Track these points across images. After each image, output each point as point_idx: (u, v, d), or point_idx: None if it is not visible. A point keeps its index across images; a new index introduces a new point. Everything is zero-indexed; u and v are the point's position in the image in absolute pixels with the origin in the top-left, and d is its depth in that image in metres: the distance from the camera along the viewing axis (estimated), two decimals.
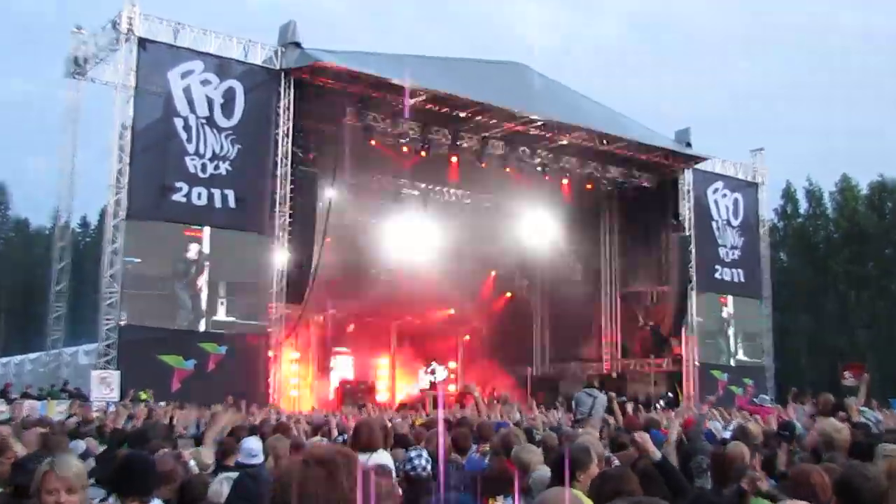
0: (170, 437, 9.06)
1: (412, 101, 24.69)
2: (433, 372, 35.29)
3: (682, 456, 5.70)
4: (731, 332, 31.03)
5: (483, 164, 27.91)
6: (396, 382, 32.71)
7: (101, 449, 8.00)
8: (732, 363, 30.77)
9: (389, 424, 9.28)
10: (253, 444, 6.53)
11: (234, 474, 5.41)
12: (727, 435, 8.19)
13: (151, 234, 21.23)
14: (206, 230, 21.90)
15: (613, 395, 10.61)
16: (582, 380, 28.85)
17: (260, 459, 6.36)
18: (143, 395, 19.15)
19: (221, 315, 22.00)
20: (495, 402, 26.71)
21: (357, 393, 28.25)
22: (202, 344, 21.47)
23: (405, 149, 26.27)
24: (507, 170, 28.45)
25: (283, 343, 23.11)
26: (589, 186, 30.06)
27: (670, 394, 28.97)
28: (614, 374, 31.35)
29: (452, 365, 36.73)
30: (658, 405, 24.83)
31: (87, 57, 22.87)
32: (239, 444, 6.65)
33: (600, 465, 4.67)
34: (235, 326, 22.01)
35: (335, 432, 9.25)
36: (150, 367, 20.42)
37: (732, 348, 30.99)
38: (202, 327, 21.71)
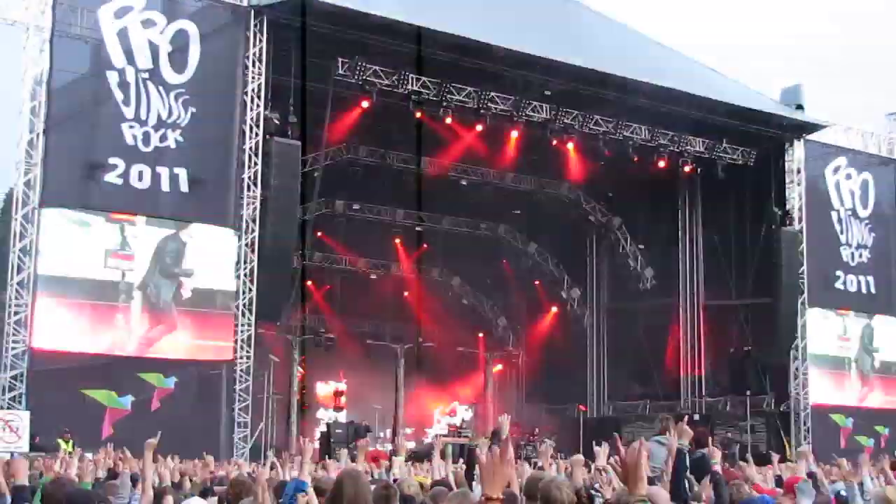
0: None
1: (426, 51, 24.40)
2: (453, 412, 34.93)
3: None
4: (858, 361, 30.41)
5: (517, 133, 27.52)
6: (403, 427, 32.32)
7: None
8: (860, 404, 30.18)
9: (393, 481, 9.08)
10: None
11: None
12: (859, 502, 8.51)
13: (76, 228, 20.93)
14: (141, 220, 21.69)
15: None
16: (652, 423, 28.45)
17: None
18: (63, 444, 18.82)
19: (179, 336, 21.78)
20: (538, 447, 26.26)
21: (348, 439, 27.83)
22: (143, 375, 21.20)
23: (417, 113, 25.97)
24: (553, 142, 28.06)
25: (252, 373, 22.67)
26: (663, 164, 29.49)
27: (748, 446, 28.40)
28: (696, 416, 30.87)
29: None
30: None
31: None
32: None
33: None
34: (194, 350, 21.83)
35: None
36: (71, 406, 20.11)
37: (860, 385, 30.37)
38: (149, 352, 21.46)
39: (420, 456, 23.07)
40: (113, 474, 12.64)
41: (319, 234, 32.13)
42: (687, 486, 8.22)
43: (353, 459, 12.68)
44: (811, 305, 29.60)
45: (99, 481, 11.66)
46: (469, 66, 25.32)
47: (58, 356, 20.43)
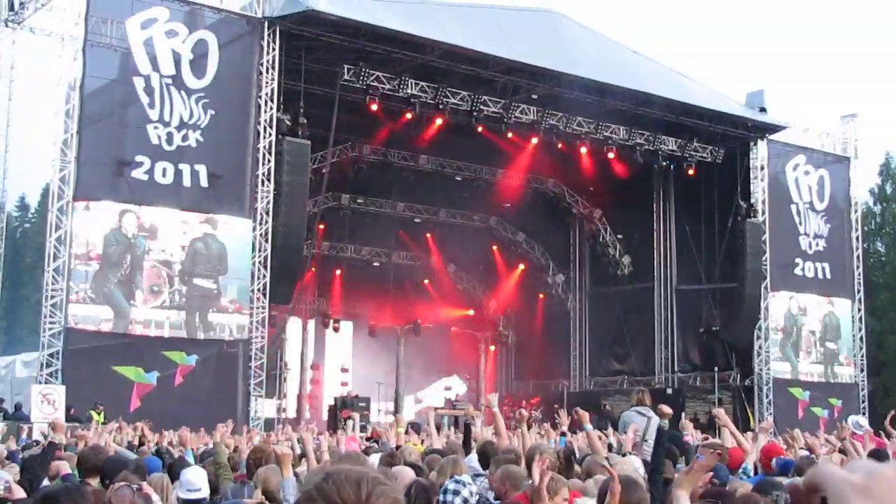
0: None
1: (425, 59, 24.68)
2: (448, 387, 35.09)
3: (757, 490, 5.65)
4: (814, 340, 30.62)
5: (509, 134, 27.73)
6: (403, 399, 32.53)
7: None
8: (815, 379, 30.37)
9: (396, 448, 9.26)
10: (192, 475, 6.87)
11: None
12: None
13: (106, 220, 21.07)
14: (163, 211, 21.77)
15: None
16: (629, 396, 28.53)
17: (203, 494, 6.76)
18: (96, 415, 19.03)
19: (203, 316, 21.94)
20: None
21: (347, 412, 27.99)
22: (167, 353, 21.34)
23: (408, 115, 26.10)
24: (534, 139, 28.34)
25: (266, 351, 22.83)
26: (639, 161, 29.61)
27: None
28: (669, 390, 31.06)
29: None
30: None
31: (25, 0, 22.55)
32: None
33: None
34: (214, 330, 22.02)
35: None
36: (103, 380, 20.31)
37: (816, 361, 30.58)
38: (173, 332, 21.62)
39: (418, 427, 23.25)
40: (141, 443, 12.74)
41: (326, 225, 32.21)
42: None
43: (353, 428, 12.86)
44: (773, 290, 29.76)
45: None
46: (463, 72, 25.51)
47: (91, 335, 20.59)
